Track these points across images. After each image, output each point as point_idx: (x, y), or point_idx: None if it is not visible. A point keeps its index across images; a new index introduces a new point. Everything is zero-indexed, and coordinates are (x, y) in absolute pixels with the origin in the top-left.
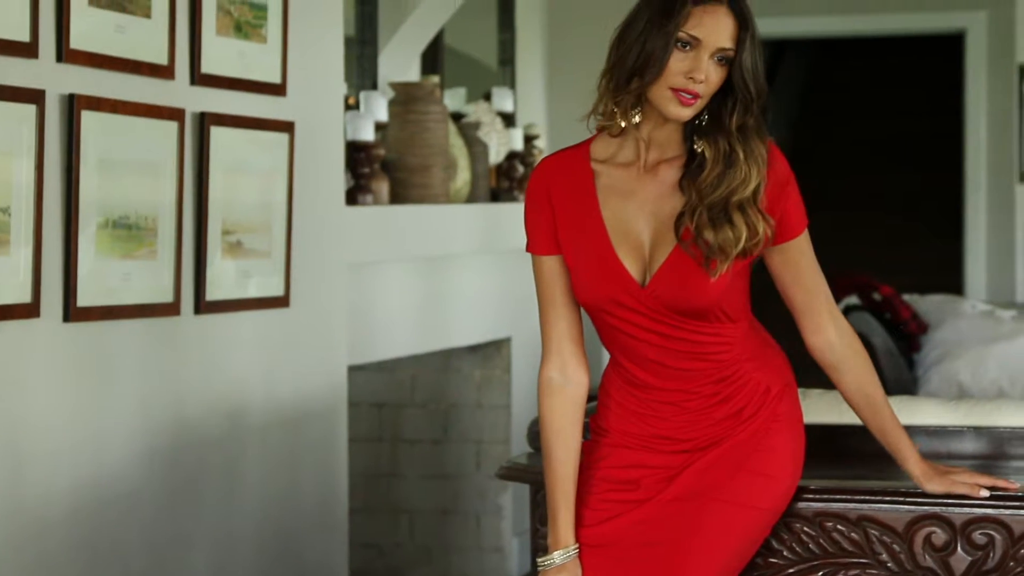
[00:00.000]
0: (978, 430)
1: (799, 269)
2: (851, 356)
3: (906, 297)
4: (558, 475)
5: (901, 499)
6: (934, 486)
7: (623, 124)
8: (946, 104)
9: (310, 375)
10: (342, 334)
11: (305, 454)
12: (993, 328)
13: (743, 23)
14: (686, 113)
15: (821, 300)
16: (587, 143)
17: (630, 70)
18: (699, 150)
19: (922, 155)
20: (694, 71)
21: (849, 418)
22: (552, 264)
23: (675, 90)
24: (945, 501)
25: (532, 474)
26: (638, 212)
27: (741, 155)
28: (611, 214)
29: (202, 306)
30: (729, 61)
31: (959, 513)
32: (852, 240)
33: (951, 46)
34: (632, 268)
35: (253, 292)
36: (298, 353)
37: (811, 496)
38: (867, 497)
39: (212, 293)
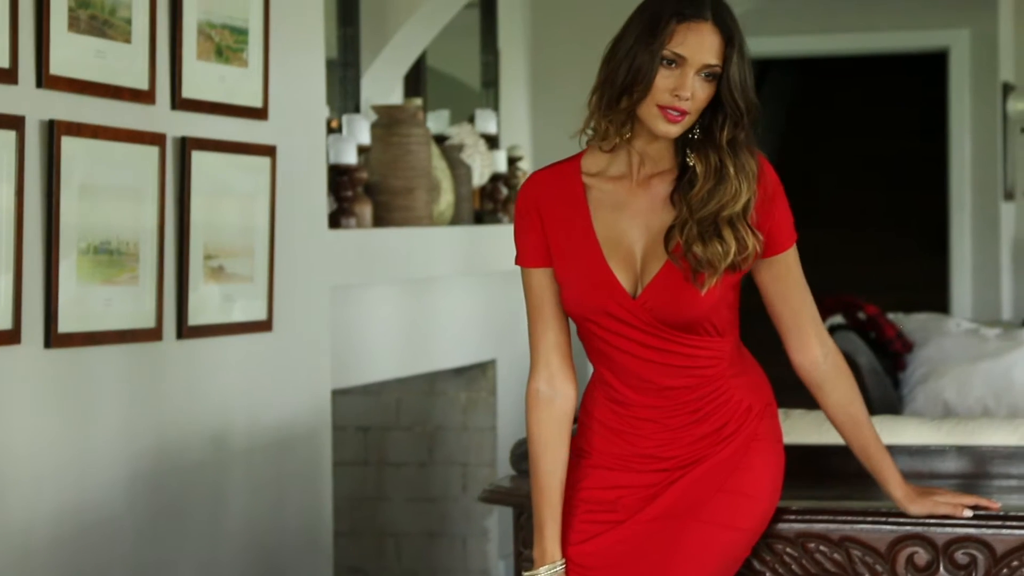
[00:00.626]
0: (961, 449)
1: (787, 284)
2: (836, 375)
3: (891, 316)
4: (545, 488)
5: (883, 519)
6: (916, 507)
7: (616, 140)
8: (930, 122)
9: (294, 399)
10: (325, 358)
11: (289, 478)
12: (978, 346)
13: (729, 39)
14: (674, 130)
15: (807, 317)
16: (577, 157)
17: (620, 88)
18: (691, 164)
19: (907, 173)
20: (679, 88)
21: (831, 438)
22: (541, 277)
23: (662, 107)
24: (927, 521)
25: (515, 497)
26: (630, 225)
27: (732, 170)
28: (603, 227)
29: (184, 331)
30: (716, 77)
31: (941, 533)
32: (836, 258)
33: (935, 64)
34: (623, 280)
35: (236, 316)
36: (281, 377)
37: (793, 517)
38: (849, 518)
39: (194, 318)
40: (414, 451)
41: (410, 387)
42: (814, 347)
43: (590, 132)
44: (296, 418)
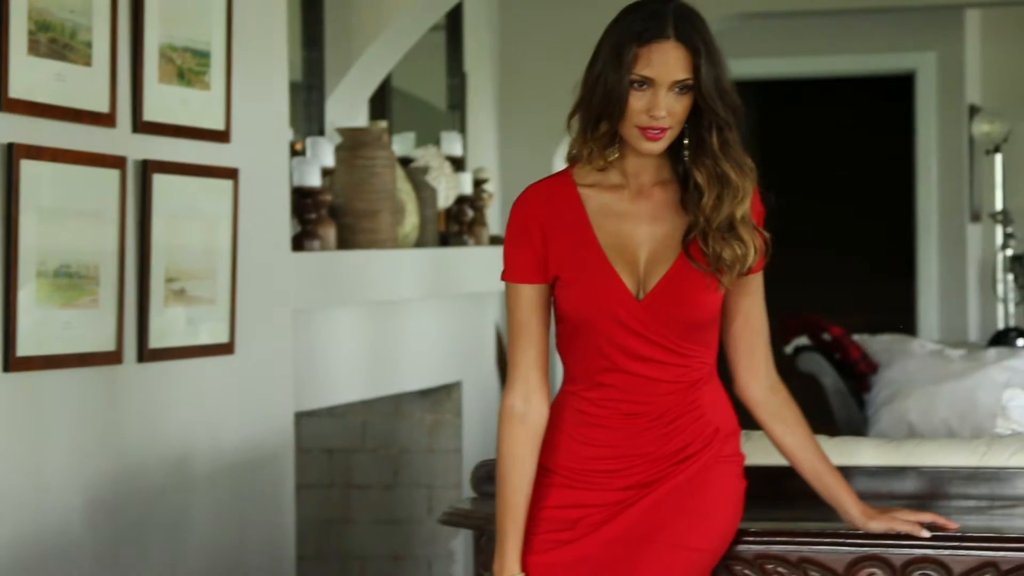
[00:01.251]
0: (919, 470)
1: (753, 308)
2: (787, 403)
3: (855, 337)
4: (510, 503)
5: (841, 540)
6: (875, 524)
7: (602, 163)
8: (897, 145)
9: (256, 422)
10: (288, 380)
11: (252, 501)
12: (942, 367)
13: (695, 50)
14: (656, 147)
15: (764, 345)
16: (567, 171)
17: (596, 113)
18: (697, 179)
19: (874, 195)
20: (653, 108)
21: None
22: (529, 293)
23: (640, 128)
24: (885, 542)
25: (475, 519)
26: (633, 231)
27: (732, 173)
28: (604, 233)
29: (145, 354)
30: (690, 88)
31: (899, 554)
32: (803, 280)
33: (902, 87)
34: (628, 283)
35: (197, 339)
36: (244, 400)
37: (751, 538)
38: (807, 539)
39: (155, 341)
40: (379, 473)
41: (375, 409)
42: (770, 372)
43: (574, 155)
44: (258, 441)
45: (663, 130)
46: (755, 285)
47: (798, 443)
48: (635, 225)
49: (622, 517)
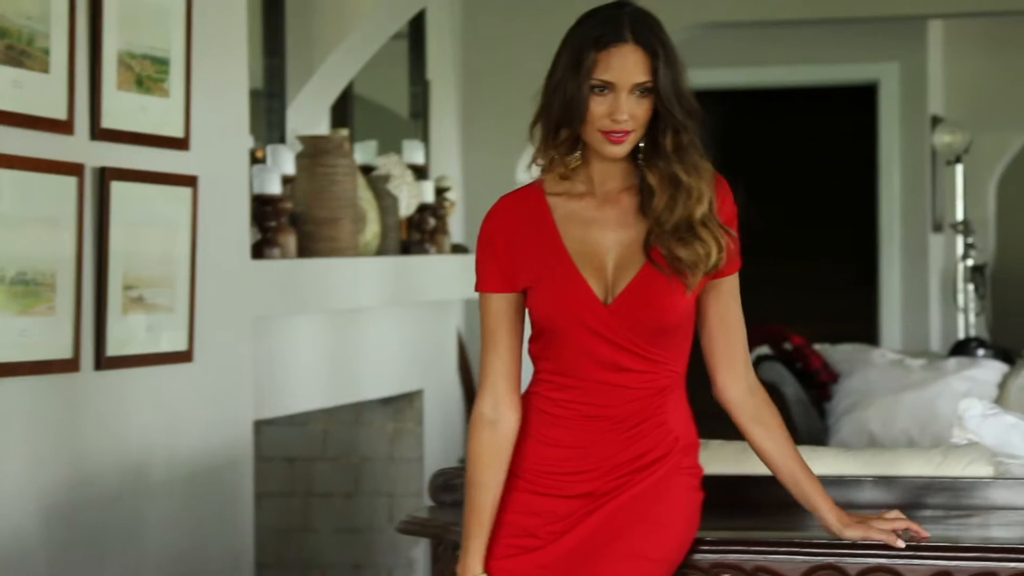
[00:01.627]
0: (878, 479)
1: (728, 309)
2: (766, 406)
3: (817, 346)
4: (477, 504)
5: (796, 549)
6: (851, 532)
7: (563, 169)
8: (860, 155)
9: (215, 430)
10: (247, 388)
11: (210, 510)
12: (903, 377)
13: (653, 53)
14: (619, 151)
15: (742, 347)
16: (539, 181)
17: (556, 120)
18: (649, 181)
19: (836, 205)
20: (615, 112)
21: (748, 468)
22: (499, 303)
23: (603, 132)
24: (840, 551)
25: (433, 528)
26: (600, 238)
27: (683, 175)
28: (572, 241)
29: (103, 362)
30: (650, 91)
31: (854, 563)
32: (766, 289)
33: (865, 97)
34: (596, 288)
35: (155, 347)
36: (202, 408)
37: (707, 547)
38: (762, 548)
39: (113, 348)
40: (340, 482)
41: (337, 417)
42: (745, 376)
43: (539, 165)
44: (217, 449)
45: (626, 133)
46: (729, 287)
47: (777, 448)
48: (602, 232)
49: (581, 527)
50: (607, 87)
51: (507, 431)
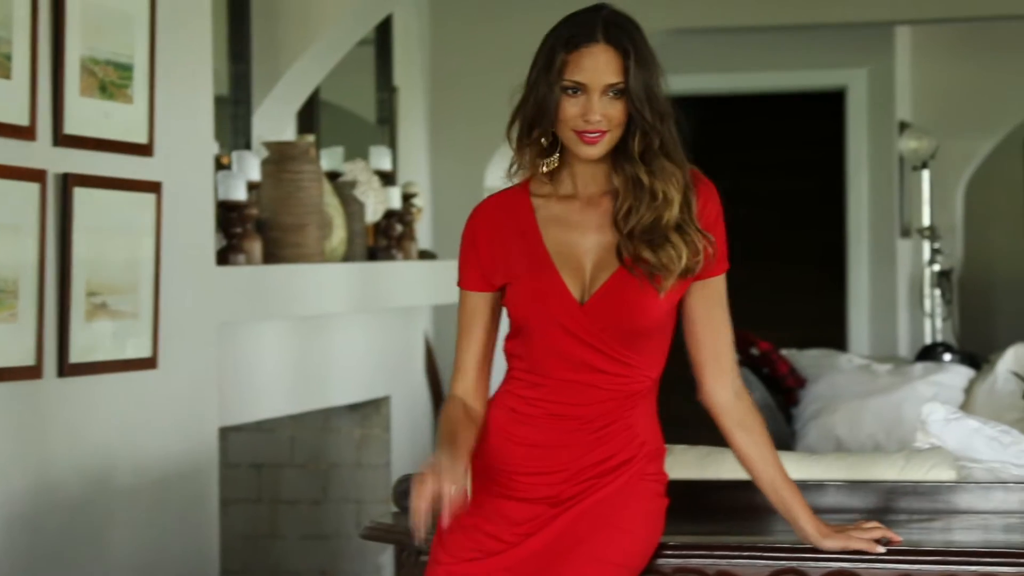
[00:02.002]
0: (843, 484)
1: (713, 312)
2: (752, 412)
3: (784, 352)
4: (445, 433)
5: (759, 554)
6: (830, 543)
7: (542, 169)
8: (828, 160)
9: (179, 437)
10: (212, 395)
11: (175, 517)
12: (869, 382)
13: (624, 53)
14: (594, 151)
15: (728, 348)
16: (526, 183)
17: (529, 121)
18: (615, 183)
19: (805, 210)
20: (587, 113)
21: (712, 473)
22: (476, 300)
23: (577, 132)
24: (802, 556)
25: (396, 534)
26: (580, 240)
27: (646, 178)
28: (552, 242)
29: (66, 369)
30: (623, 92)
31: (816, 567)
32: (736, 295)
33: (833, 103)
34: (572, 288)
35: (119, 354)
36: (167, 415)
37: (670, 552)
38: (725, 552)
39: (76, 355)
40: (308, 488)
41: (304, 424)
42: (732, 380)
43: (518, 168)
44: (182, 456)
45: (601, 133)
46: (713, 289)
47: (760, 454)
48: (582, 234)
49: (546, 530)
50: (579, 88)
51: (477, 415)
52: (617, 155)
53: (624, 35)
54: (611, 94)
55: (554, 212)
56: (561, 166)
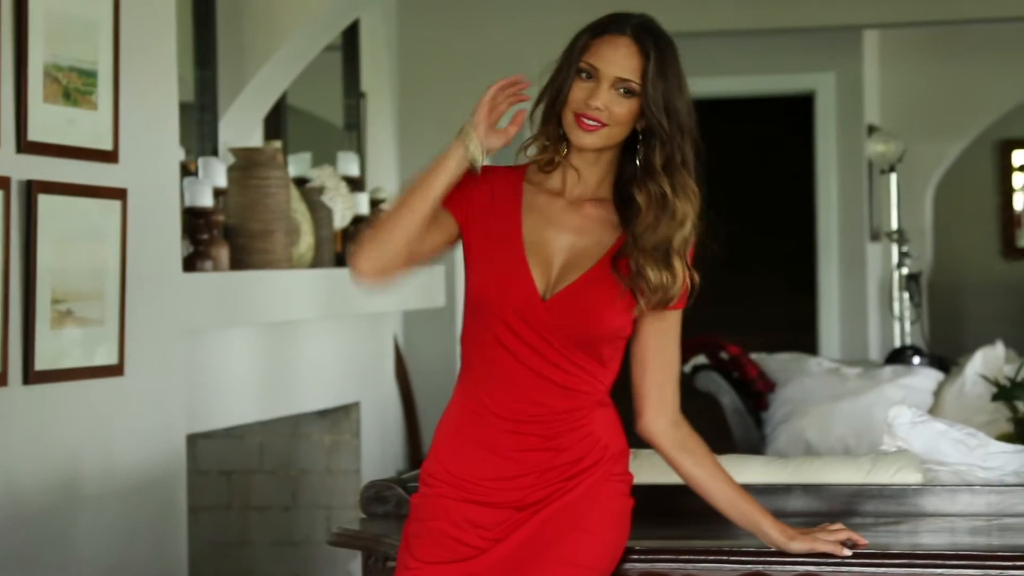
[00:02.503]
0: (807, 487)
1: (668, 344)
2: (692, 436)
3: (753, 356)
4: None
5: (726, 558)
6: (797, 545)
7: (553, 156)
8: (798, 165)
9: (147, 444)
10: (180, 402)
11: (143, 524)
12: (839, 386)
13: (646, 55)
14: (587, 140)
15: (674, 383)
16: (524, 165)
17: (548, 102)
18: (637, 198)
19: (775, 215)
20: (591, 98)
21: (678, 477)
22: (444, 216)
23: (577, 116)
24: (768, 559)
25: (363, 540)
26: (555, 236)
27: (670, 192)
28: (529, 229)
29: (31, 376)
30: (634, 93)
31: (782, 570)
32: (706, 299)
33: (802, 107)
34: (538, 282)
35: (85, 361)
36: (134, 422)
37: (637, 556)
38: (691, 556)
39: (42, 363)
40: (278, 495)
41: (274, 430)
42: (674, 411)
43: (532, 150)
44: (150, 463)
45: (599, 123)
46: (673, 321)
47: (708, 473)
48: (558, 232)
49: (514, 535)
50: (591, 72)
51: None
52: (640, 170)
53: (651, 40)
54: (621, 91)
55: (539, 204)
56: (559, 162)
